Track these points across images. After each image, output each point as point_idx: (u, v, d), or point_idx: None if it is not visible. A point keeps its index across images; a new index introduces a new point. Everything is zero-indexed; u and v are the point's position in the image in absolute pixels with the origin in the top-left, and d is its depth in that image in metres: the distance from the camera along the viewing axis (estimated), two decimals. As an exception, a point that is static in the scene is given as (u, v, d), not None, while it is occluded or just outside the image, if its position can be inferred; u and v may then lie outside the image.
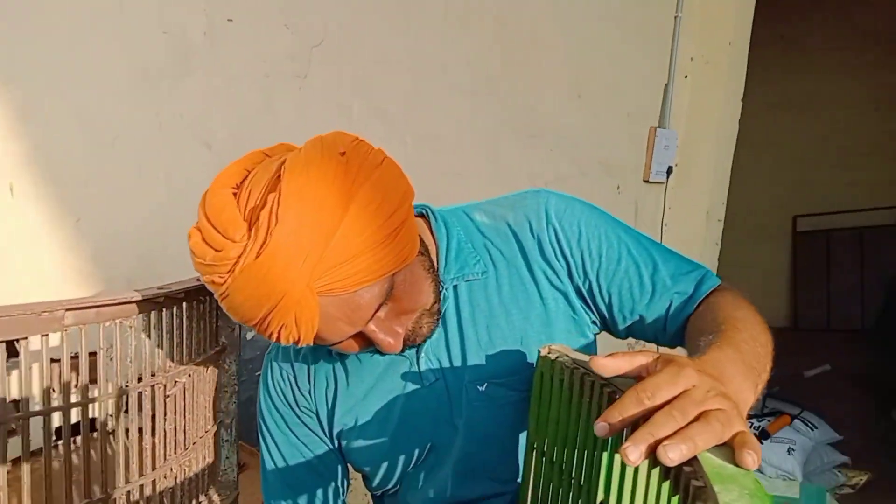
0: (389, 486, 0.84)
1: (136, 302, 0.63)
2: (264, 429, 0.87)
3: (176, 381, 0.70)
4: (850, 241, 7.27)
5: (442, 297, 0.73)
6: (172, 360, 0.69)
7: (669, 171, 2.58)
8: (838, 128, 7.35)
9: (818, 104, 7.44)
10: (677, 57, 2.59)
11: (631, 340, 0.85)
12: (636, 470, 0.46)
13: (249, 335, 1.39)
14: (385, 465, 0.82)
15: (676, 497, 0.41)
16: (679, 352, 0.62)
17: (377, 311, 0.63)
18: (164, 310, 0.66)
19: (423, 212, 0.81)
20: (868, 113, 7.19)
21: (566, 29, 2.15)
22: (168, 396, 0.69)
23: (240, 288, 0.58)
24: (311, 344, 0.64)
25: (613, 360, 0.49)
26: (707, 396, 0.44)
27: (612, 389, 0.51)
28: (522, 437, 0.76)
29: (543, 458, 0.62)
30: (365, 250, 0.59)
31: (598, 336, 0.84)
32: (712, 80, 2.69)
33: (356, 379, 0.80)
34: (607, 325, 0.80)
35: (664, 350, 0.60)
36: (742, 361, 0.55)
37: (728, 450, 0.42)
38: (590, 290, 0.77)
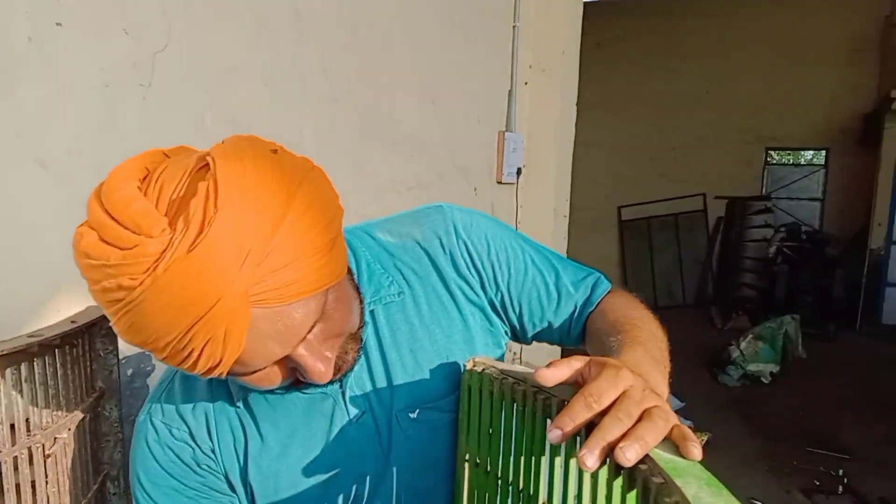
0: None
1: (4, 355, 0.54)
2: None
3: (56, 438, 0.61)
4: (667, 227, 8.17)
5: (364, 321, 0.69)
6: (49, 415, 0.60)
7: (519, 172, 2.73)
8: (648, 126, 8.24)
9: (630, 105, 8.28)
10: (517, 64, 2.74)
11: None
12: (581, 470, 0.49)
13: (129, 371, 1.26)
14: None
15: (634, 493, 0.44)
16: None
17: (310, 330, 0.57)
18: (35, 359, 0.58)
19: None
20: (672, 113, 8.13)
21: (416, 37, 2.19)
22: (48, 456, 0.61)
23: (162, 289, 0.49)
24: (225, 374, 0.55)
25: (554, 370, 0.51)
26: (644, 395, 0.47)
27: (546, 396, 0.53)
28: None
29: (477, 469, 0.63)
30: (304, 256, 0.53)
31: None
32: (549, 86, 2.89)
33: (270, 427, 0.71)
34: (516, 333, 0.82)
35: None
36: (652, 358, 0.60)
37: (670, 443, 0.45)
38: (502, 301, 0.77)
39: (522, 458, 0.57)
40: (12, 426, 0.57)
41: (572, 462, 0.52)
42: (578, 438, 0.50)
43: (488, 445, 0.62)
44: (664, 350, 0.66)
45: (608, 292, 0.79)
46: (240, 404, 0.70)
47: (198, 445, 0.70)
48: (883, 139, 6.32)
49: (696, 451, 0.44)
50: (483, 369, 0.62)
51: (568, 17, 2.86)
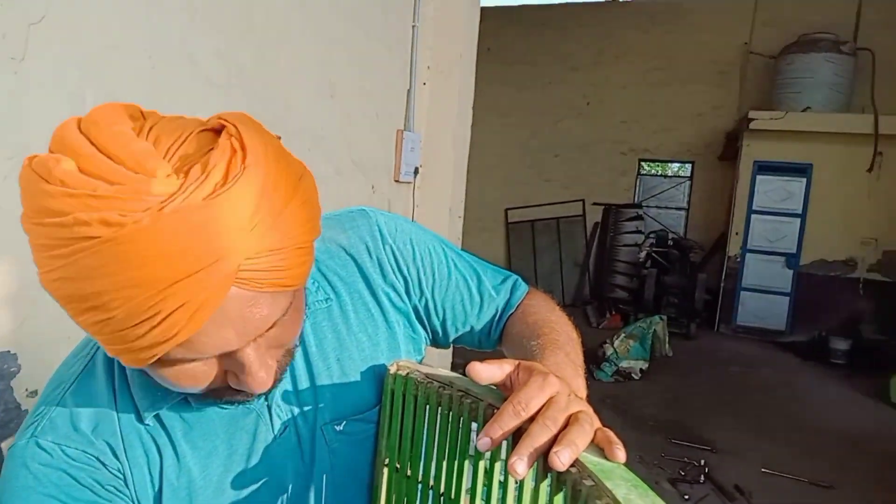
0: None
1: None
2: None
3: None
4: (549, 230, 8.55)
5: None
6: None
7: (416, 171, 2.74)
8: (533, 132, 8.59)
9: (517, 110, 8.59)
10: (416, 64, 2.75)
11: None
12: (506, 473, 0.50)
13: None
14: None
15: (560, 495, 0.45)
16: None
17: (269, 329, 0.53)
18: None
19: None
20: (555, 121, 8.53)
21: (315, 29, 2.13)
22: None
23: (160, 233, 0.44)
24: (157, 357, 0.49)
25: (487, 367, 0.52)
26: (569, 401, 0.49)
27: (472, 400, 0.54)
28: None
29: (397, 474, 0.63)
30: (294, 246, 0.50)
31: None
32: (446, 88, 2.92)
33: (187, 446, 0.64)
34: (437, 338, 0.81)
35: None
36: (572, 362, 0.63)
37: (594, 446, 0.47)
38: (426, 306, 0.76)
39: (445, 462, 0.58)
40: None
41: (497, 465, 0.53)
42: (505, 442, 0.51)
43: (409, 449, 0.61)
44: (579, 352, 0.69)
45: (525, 294, 0.81)
46: (150, 422, 0.63)
47: (103, 465, 0.61)
48: (741, 155, 6.98)
49: (621, 454, 0.46)
50: (407, 373, 0.61)
51: (465, 20, 2.90)
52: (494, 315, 0.79)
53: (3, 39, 1.20)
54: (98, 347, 0.66)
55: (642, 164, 8.66)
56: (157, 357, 0.49)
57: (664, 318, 5.90)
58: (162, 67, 1.58)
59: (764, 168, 6.88)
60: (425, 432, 0.60)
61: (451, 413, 0.57)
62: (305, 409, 0.67)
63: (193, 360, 0.52)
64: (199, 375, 0.54)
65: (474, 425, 0.56)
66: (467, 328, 0.79)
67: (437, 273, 0.76)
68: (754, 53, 7.54)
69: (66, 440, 0.61)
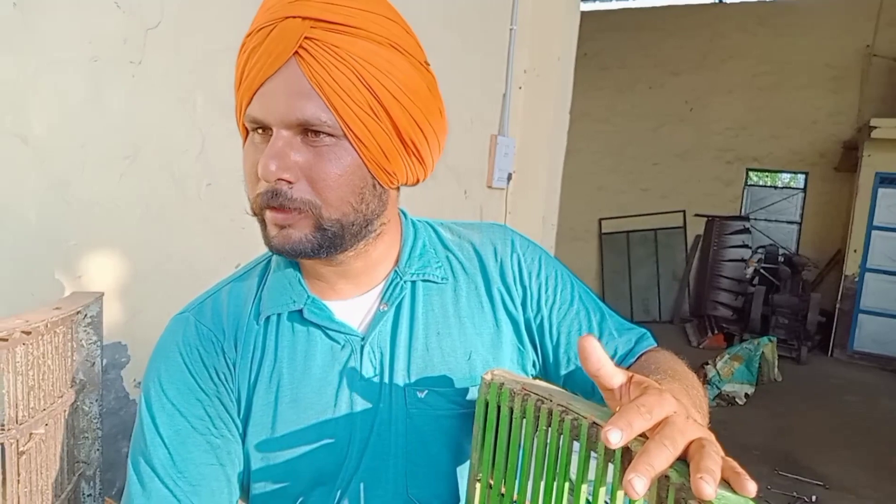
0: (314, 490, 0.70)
1: None
2: (153, 406, 0.67)
3: (31, 434, 0.55)
4: (646, 242, 8.23)
5: (391, 285, 0.72)
6: (26, 408, 0.54)
7: (509, 177, 2.69)
8: (630, 139, 8.30)
9: (613, 117, 8.34)
10: (513, 68, 2.71)
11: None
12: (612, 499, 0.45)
13: (104, 362, 1.18)
14: (311, 460, 0.69)
15: None
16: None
17: (308, 130, 0.59)
18: (16, 347, 0.51)
19: (399, 211, 0.78)
20: (654, 128, 8.20)
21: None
22: (22, 454, 0.54)
23: None
24: (245, 108, 0.61)
25: (603, 351, 0.48)
26: (687, 425, 0.44)
27: (575, 416, 0.49)
28: (464, 466, 0.72)
29: (490, 491, 0.58)
30: (383, 101, 0.60)
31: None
32: (543, 92, 2.86)
33: (288, 357, 0.70)
34: (547, 367, 0.79)
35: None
36: (689, 396, 0.58)
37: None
38: (540, 325, 0.77)
39: (543, 482, 0.53)
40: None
41: (601, 491, 0.48)
42: (612, 466, 0.46)
43: (504, 466, 0.57)
44: (704, 404, 0.64)
45: (651, 347, 0.78)
46: (268, 327, 0.71)
47: (223, 353, 0.70)
48: (861, 166, 6.43)
49: (752, 487, 0.41)
50: (503, 383, 0.57)
51: (564, 23, 2.83)
52: (612, 356, 0.73)
53: (123, 44, 1.27)
54: (263, 259, 0.78)
55: (750, 173, 8.16)
56: (244, 105, 0.61)
57: (773, 339, 5.49)
58: (266, 72, 1.62)
59: (887, 180, 6.29)
60: (522, 448, 0.55)
61: (549, 429, 0.52)
62: (396, 365, 0.70)
63: (257, 129, 0.61)
64: (250, 158, 0.62)
65: (576, 444, 0.51)
66: (579, 363, 0.74)
67: (559, 296, 0.77)
68: (878, 56, 6.93)
69: (206, 324, 0.71)
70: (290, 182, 0.60)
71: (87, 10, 1.19)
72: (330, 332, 0.70)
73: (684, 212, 8.05)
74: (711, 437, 0.45)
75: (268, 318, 0.71)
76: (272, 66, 0.58)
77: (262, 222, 0.63)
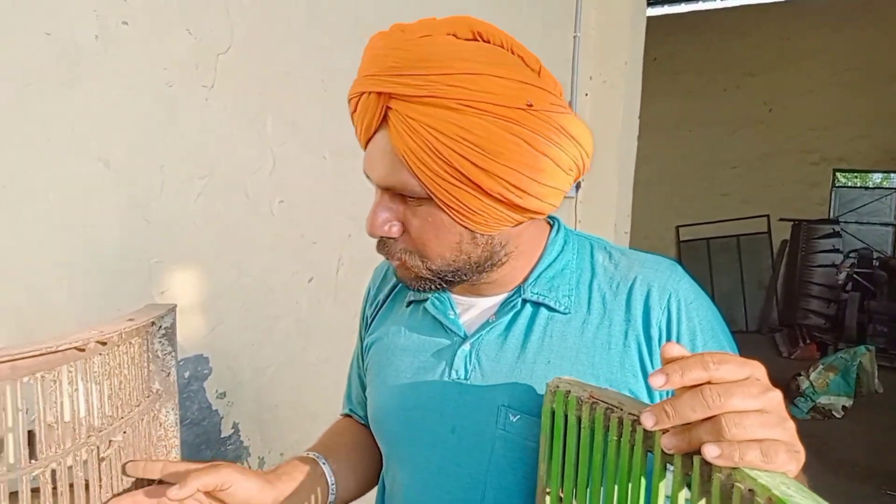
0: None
1: (62, 350, 0.49)
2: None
3: (111, 441, 0.56)
4: (728, 249, 7.87)
5: (507, 300, 0.73)
6: (104, 417, 0.56)
7: (578, 185, 2.63)
8: (707, 144, 7.99)
9: (687, 122, 8.05)
10: (578, 75, 2.66)
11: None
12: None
13: (186, 374, 1.23)
14: (393, 422, 0.78)
15: None
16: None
17: (390, 190, 0.64)
18: (94, 357, 0.53)
19: (550, 221, 0.78)
20: (732, 131, 7.87)
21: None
22: (102, 460, 0.56)
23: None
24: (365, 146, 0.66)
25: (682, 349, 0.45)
26: (770, 398, 0.43)
27: (648, 425, 0.46)
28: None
29: None
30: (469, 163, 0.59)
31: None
32: (611, 98, 2.79)
33: (398, 333, 0.80)
34: None
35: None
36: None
37: None
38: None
39: (616, 497, 0.49)
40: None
41: (681, 497, 0.44)
42: (692, 479, 0.42)
43: (574, 478, 0.53)
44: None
45: None
46: (407, 307, 0.81)
47: (371, 299, 0.90)
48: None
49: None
50: (569, 391, 0.54)
51: (631, 28, 2.77)
52: None
53: (196, 69, 1.32)
54: None
55: (837, 174, 7.69)
56: (361, 141, 0.67)
57: (871, 348, 5.11)
58: (334, 90, 1.66)
59: None
60: (591, 459, 0.52)
61: (620, 440, 0.48)
62: (495, 379, 0.69)
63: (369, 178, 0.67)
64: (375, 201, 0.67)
65: (650, 456, 0.47)
66: None
67: None
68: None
69: (376, 275, 0.93)
70: (393, 238, 0.67)
71: (162, 37, 1.26)
72: (442, 323, 0.75)
73: (768, 216, 7.65)
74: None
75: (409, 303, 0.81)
76: (366, 132, 0.64)
77: None
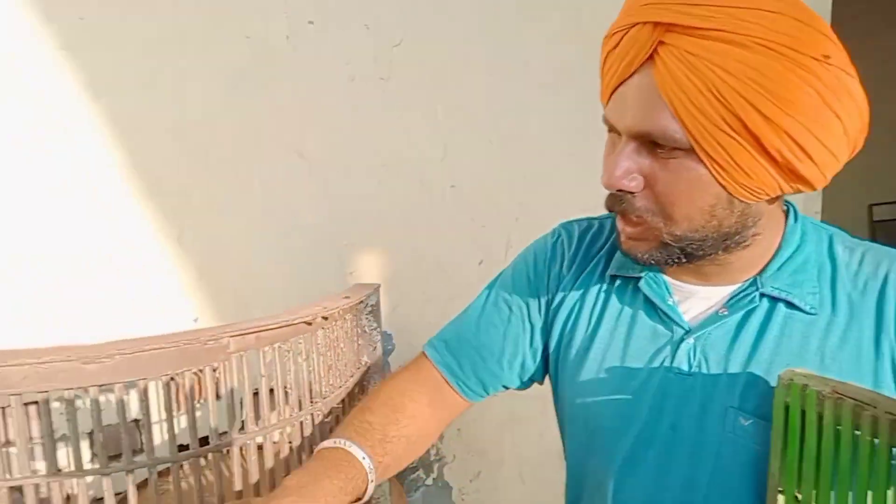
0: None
1: (295, 324, 0.54)
2: (506, 273, 0.82)
3: (332, 409, 0.61)
4: (933, 229, 6.84)
5: (741, 292, 0.65)
6: (326, 385, 0.60)
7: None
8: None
9: (886, 89, 7.06)
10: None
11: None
12: None
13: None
14: (598, 419, 0.71)
15: None
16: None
17: (643, 137, 0.56)
18: (319, 331, 0.58)
19: (786, 208, 0.68)
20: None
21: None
22: (321, 424, 0.61)
23: None
24: (607, 107, 0.60)
25: None
26: None
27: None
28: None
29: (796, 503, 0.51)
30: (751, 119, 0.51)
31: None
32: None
33: (611, 319, 0.71)
34: None
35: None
36: None
37: None
38: None
39: (870, 498, 0.44)
40: (285, 392, 0.58)
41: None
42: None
43: (814, 479, 0.48)
44: None
45: None
46: (608, 281, 0.73)
47: (559, 260, 0.77)
48: None
49: None
50: (806, 384, 0.48)
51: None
52: None
53: (374, 62, 1.38)
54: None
55: None
56: (604, 103, 0.61)
57: None
58: (499, 76, 1.66)
59: None
60: (836, 459, 0.46)
61: (875, 440, 0.43)
62: (721, 378, 0.63)
63: (609, 131, 0.61)
64: (606, 154, 0.61)
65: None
66: None
67: None
68: None
69: (567, 234, 0.80)
70: (632, 192, 0.59)
71: (344, 33, 1.33)
72: (659, 309, 0.68)
73: None
74: None
75: (613, 278, 0.73)
76: (625, 71, 0.57)
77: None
